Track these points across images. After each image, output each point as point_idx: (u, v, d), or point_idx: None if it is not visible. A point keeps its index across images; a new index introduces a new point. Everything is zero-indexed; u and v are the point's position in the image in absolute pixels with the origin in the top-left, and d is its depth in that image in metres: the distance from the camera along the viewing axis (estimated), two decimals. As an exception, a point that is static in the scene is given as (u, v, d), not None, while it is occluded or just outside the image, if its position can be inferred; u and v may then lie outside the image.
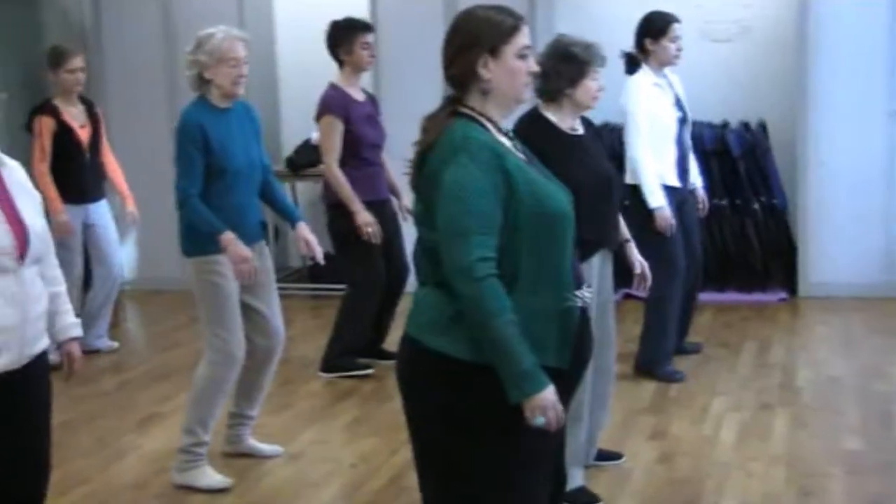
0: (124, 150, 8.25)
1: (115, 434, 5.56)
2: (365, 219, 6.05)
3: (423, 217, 2.94)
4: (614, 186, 4.57)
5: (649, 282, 4.73)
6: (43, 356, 3.42)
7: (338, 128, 6.07)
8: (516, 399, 2.78)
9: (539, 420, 2.79)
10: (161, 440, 5.40)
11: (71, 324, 3.58)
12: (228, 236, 4.66)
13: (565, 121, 4.45)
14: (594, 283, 4.29)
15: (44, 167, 6.46)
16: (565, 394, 2.90)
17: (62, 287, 3.57)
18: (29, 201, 3.40)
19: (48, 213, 6.40)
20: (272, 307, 5.04)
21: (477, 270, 2.76)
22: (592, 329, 3.09)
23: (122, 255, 7.78)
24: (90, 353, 6.79)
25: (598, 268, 4.44)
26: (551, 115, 4.43)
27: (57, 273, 3.54)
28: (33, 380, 3.38)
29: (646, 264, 4.70)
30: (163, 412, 5.83)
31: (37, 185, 6.30)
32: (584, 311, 2.98)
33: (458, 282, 2.79)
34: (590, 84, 4.43)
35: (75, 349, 3.60)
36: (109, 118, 8.29)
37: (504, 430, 2.84)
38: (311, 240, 4.97)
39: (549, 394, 2.79)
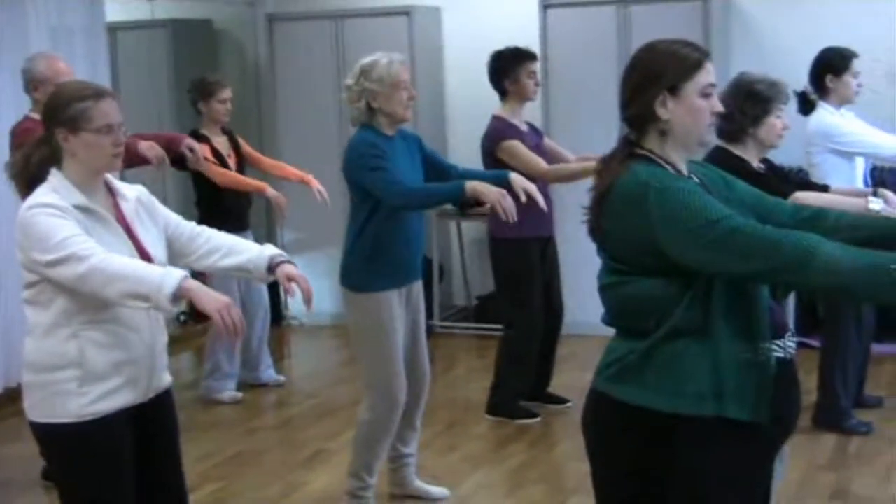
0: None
1: (283, 470, 5.56)
2: None
3: (606, 264, 2.77)
4: None
5: None
6: (168, 392, 3.38)
7: (521, 146, 5.82)
8: None
9: None
10: (328, 478, 5.38)
11: (269, 250, 3.37)
12: (472, 184, 4.50)
13: (752, 161, 4.32)
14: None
15: (217, 168, 6.37)
16: (766, 452, 2.76)
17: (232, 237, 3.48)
18: (151, 230, 3.32)
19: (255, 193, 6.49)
20: (422, 349, 4.90)
21: (756, 229, 2.53)
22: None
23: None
24: (257, 386, 6.89)
25: None
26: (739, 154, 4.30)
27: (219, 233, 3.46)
28: (162, 412, 3.35)
29: None
30: (329, 449, 5.81)
31: (229, 183, 6.36)
32: (786, 362, 2.76)
33: (754, 260, 2.52)
34: (774, 122, 4.32)
35: (291, 269, 3.33)
36: (282, 149, 8.39)
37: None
38: (529, 187, 4.68)
39: None
